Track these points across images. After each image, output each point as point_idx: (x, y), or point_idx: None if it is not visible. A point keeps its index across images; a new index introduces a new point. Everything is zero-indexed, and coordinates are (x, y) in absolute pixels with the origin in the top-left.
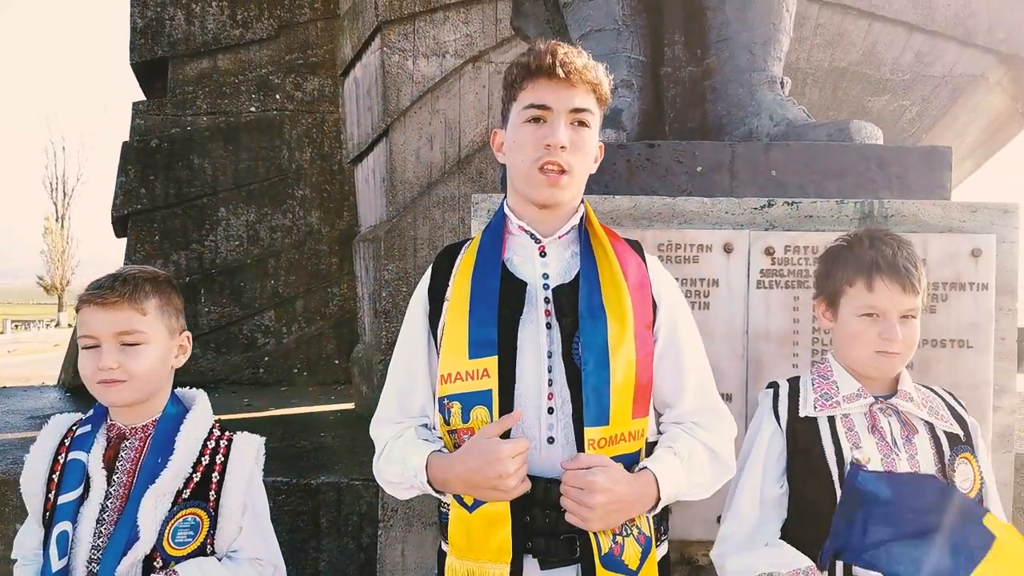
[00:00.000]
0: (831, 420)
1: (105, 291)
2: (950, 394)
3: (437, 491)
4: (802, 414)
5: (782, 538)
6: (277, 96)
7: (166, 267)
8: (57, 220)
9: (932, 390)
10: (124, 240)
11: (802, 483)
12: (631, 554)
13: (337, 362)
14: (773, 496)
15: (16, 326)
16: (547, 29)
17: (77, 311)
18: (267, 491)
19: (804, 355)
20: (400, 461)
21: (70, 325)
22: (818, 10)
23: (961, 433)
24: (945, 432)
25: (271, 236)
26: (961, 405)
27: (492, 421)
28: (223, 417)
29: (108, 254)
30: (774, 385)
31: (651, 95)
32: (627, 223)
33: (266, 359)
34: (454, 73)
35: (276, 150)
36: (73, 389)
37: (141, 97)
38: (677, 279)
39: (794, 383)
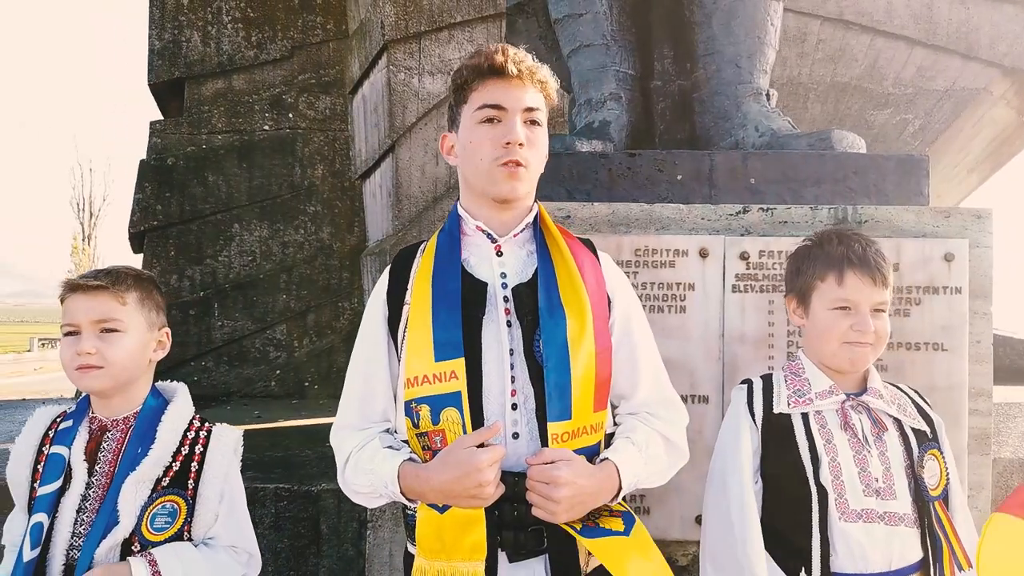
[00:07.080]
0: (804, 417)
1: (88, 278)
2: (916, 392)
3: (409, 500)
4: (776, 410)
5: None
6: (290, 115)
7: (181, 282)
8: (84, 239)
9: (899, 388)
10: (141, 256)
11: (777, 478)
12: (611, 524)
13: None
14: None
15: (43, 344)
16: (540, 45)
17: (62, 302)
18: (269, 498)
19: (779, 357)
20: (368, 472)
21: None
22: (820, 26)
23: (928, 430)
24: (913, 429)
25: (283, 251)
26: (927, 403)
27: (463, 421)
28: None
29: None
30: (747, 382)
31: (641, 108)
32: (605, 229)
33: (278, 372)
34: None
35: (289, 167)
36: None
37: (160, 117)
38: (654, 283)
39: (767, 380)
